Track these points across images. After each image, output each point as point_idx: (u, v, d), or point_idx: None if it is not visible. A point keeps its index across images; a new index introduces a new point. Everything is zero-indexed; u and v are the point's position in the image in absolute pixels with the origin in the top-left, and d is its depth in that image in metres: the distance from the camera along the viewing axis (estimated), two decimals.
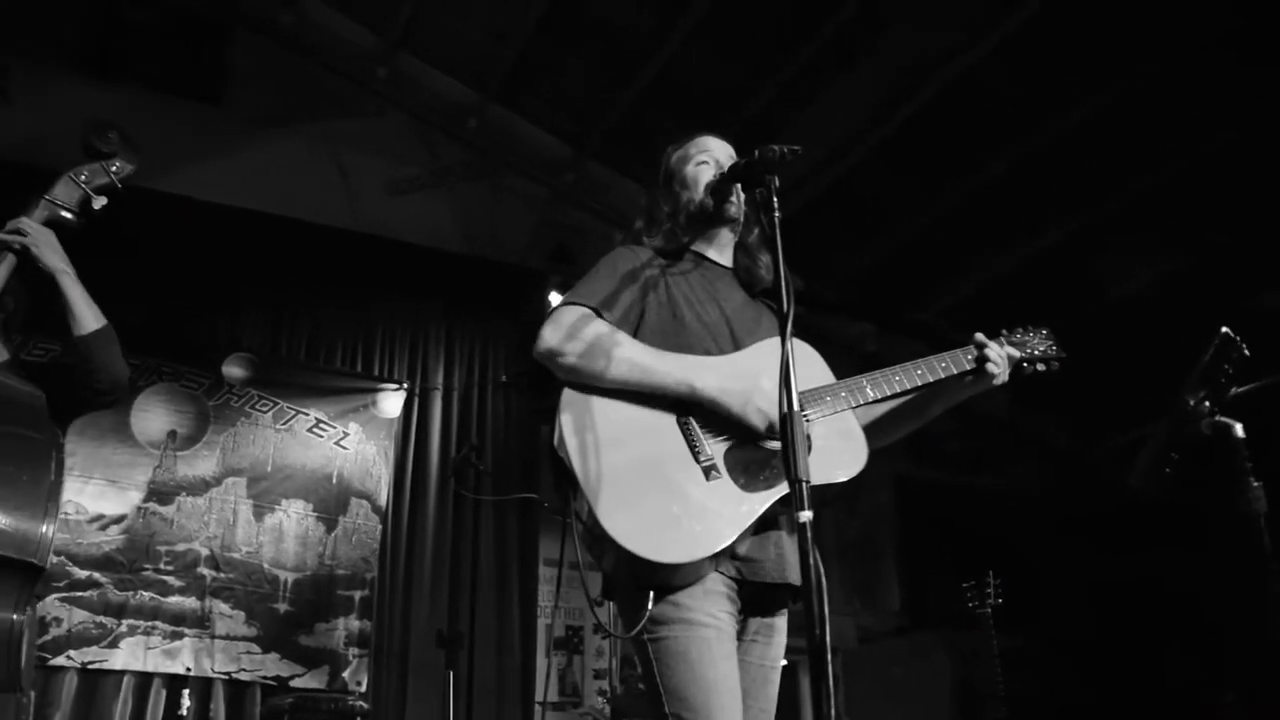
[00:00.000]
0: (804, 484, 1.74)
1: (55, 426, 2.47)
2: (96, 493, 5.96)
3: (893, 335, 8.00)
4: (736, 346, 2.37)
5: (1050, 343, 2.61)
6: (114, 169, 2.73)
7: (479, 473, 6.64)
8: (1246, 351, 2.39)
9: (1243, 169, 6.01)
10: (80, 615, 5.69)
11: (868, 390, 2.33)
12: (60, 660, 5.57)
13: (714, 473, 2.14)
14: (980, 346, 2.47)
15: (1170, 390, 2.48)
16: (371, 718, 5.81)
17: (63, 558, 5.66)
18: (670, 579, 2.09)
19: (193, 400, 6.43)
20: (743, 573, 2.16)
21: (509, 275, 7.26)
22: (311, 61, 7.02)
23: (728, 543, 2.08)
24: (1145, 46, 5.62)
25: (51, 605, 5.57)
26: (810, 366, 2.38)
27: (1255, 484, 2.30)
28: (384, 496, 6.87)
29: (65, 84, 6.17)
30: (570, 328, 2.24)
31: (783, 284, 1.91)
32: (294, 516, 6.52)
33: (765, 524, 2.18)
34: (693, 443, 2.18)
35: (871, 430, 2.42)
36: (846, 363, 2.46)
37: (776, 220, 2.02)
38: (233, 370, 6.58)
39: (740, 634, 2.23)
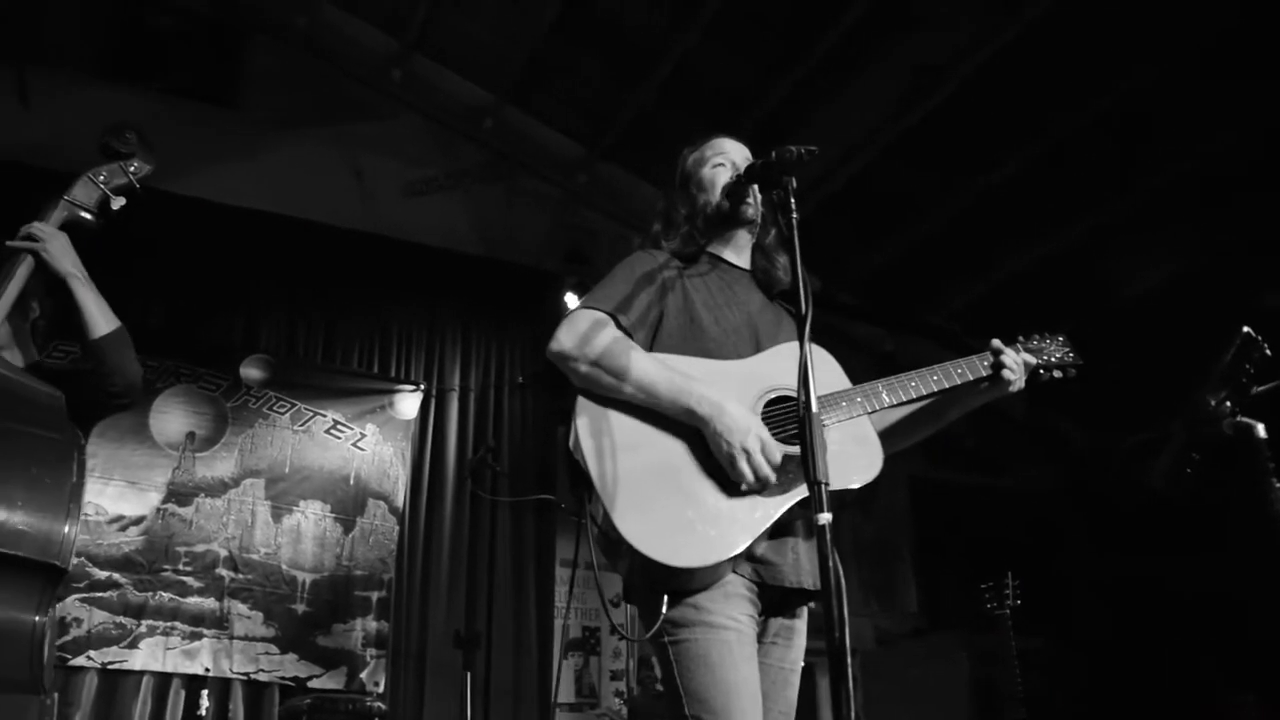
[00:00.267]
0: (823, 486, 1.74)
1: (76, 428, 2.48)
2: (116, 494, 6.00)
3: (907, 336, 7.98)
4: (758, 349, 2.36)
5: (1067, 349, 2.60)
6: (132, 169, 2.74)
7: (495, 474, 6.66)
8: (1268, 351, 2.37)
9: (1260, 167, 5.97)
10: (100, 616, 5.73)
11: (883, 396, 2.32)
12: (80, 660, 5.60)
13: None
14: (997, 353, 2.46)
15: (1187, 390, 2.47)
16: (389, 718, 5.82)
17: (82, 558, 5.70)
18: (685, 583, 2.09)
19: (211, 402, 6.46)
20: (761, 575, 2.16)
21: (524, 277, 7.27)
22: (327, 64, 7.06)
23: (742, 548, 2.07)
24: (1156, 45, 5.58)
25: (71, 606, 5.61)
26: (826, 372, 2.37)
27: (1278, 484, 2.28)
28: (401, 497, 6.88)
29: (83, 88, 6.21)
30: (585, 333, 2.23)
31: (801, 286, 1.91)
32: (312, 518, 6.54)
33: (781, 529, 2.17)
34: (708, 446, 2.17)
35: (887, 435, 2.42)
36: (862, 363, 2.45)
37: (794, 222, 2.02)
38: (250, 372, 6.61)
39: (760, 636, 2.22)
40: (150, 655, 5.80)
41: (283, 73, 6.89)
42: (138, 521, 6.01)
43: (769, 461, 2.08)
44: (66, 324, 2.65)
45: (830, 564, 1.70)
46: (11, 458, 2.30)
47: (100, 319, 2.62)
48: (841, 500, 2.13)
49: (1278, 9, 5.13)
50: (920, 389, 2.37)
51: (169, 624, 5.90)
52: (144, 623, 5.83)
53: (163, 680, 5.84)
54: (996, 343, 2.48)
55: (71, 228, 2.64)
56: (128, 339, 2.67)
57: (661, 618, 2.09)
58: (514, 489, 6.99)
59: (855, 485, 2.17)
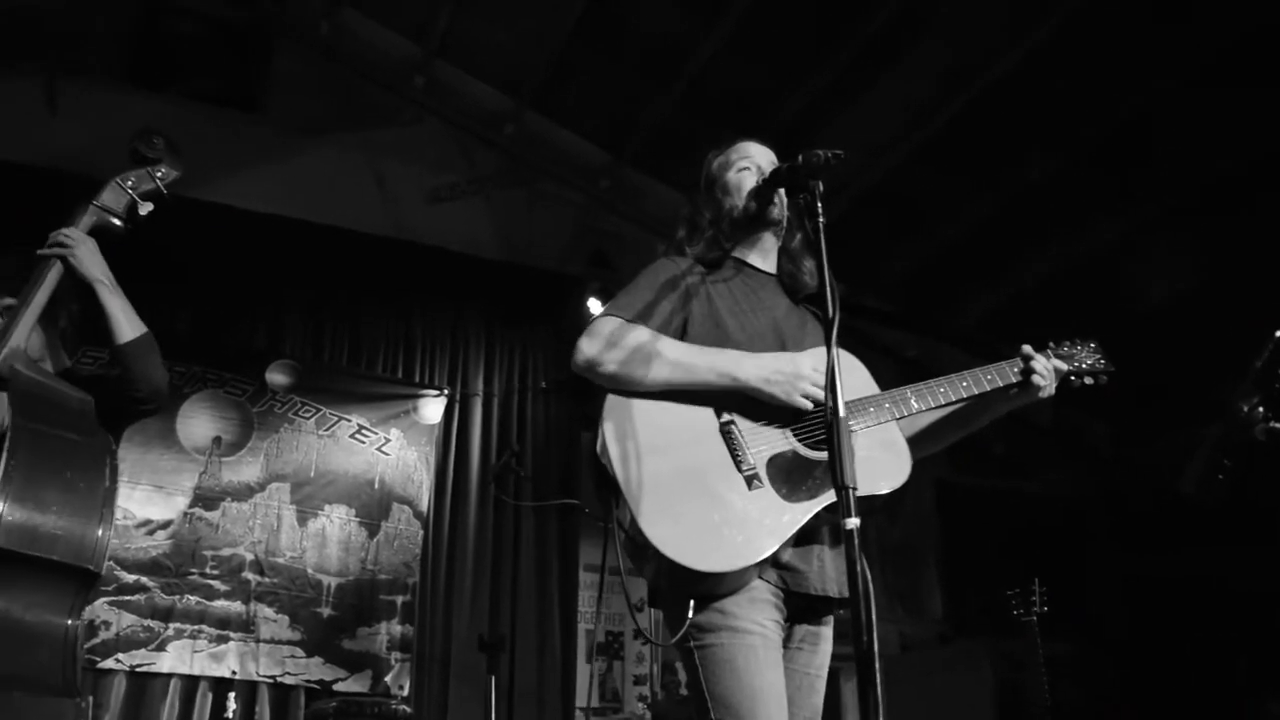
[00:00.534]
0: (851, 490, 1.73)
1: (107, 433, 2.50)
2: (144, 498, 6.05)
3: (934, 341, 7.94)
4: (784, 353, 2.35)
5: (1098, 355, 2.57)
6: (160, 175, 2.76)
7: (519, 478, 6.67)
8: None
9: None
10: (128, 619, 5.78)
11: (912, 402, 2.31)
12: (109, 663, 5.66)
13: (756, 482, 2.12)
14: (1027, 359, 2.44)
15: (1216, 393, 2.44)
16: None
17: (111, 562, 5.73)
18: (713, 588, 2.08)
19: (237, 407, 6.50)
20: (786, 581, 2.15)
21: (547, 281, 7.29)
22: (350, 70, 7.10)
23: (768, 553, 2.06)
24: (1185, 48, 5.54)
25: (100, 609, 5.66)
26: (854, 377, 2.36)
27: None
28: (425, 502, 6.90)
29: (110, 94, 6.28)
30: (608, 337, 2.24)
31: (828, 290, 1.90)
32: (337, 522, 6.57)
33: (807, 535, 2.16)
34: (735, 451, 2.17)
35: (915, 441, 2.40)
36: (888, 368, 2.44)
37: (821, 225, 2.01)
38: (276, 377, 6.65)
39: (786, 641, 2.21)
40: (178, 658, 5.85)
41: (306, 78, 6.93)
42: (165, 525, 6.06)
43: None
44: (94, 329, 2.66)
45: (858, 568, 1.69)
46: (45, 462, 2.32)
47: (126, 325, 2.63)
48: (869, 506, 2.11)
49: None
50: (949, 395, 2.36)
51: (196, 627, 5.94)
52: (171, 626, 5.88)
53: (190, 683, 5.89)
54: (1027, 348, 2.46)
55: (100, 233, 2.66)
56: (154, 345, 2.68)
57: (688, 622, 2.09)
58: (537, 493, 7.00)
59: (883, 491, 2.16)
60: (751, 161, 2.55)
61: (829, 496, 2.07)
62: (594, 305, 6.63)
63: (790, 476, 2.15)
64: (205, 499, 6.23)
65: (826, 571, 2.20)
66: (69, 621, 2.27)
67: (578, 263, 7.35)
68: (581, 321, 2.31)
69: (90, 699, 2.35)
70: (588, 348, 2.25)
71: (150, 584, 5.90)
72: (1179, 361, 6.63)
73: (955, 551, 8.17)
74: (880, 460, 2.20)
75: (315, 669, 6.18)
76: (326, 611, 6.34)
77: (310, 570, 6.38)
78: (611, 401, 2.23)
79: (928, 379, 2.39)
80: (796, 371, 2.20)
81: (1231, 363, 2.46)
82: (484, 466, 7.20)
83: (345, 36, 7.03)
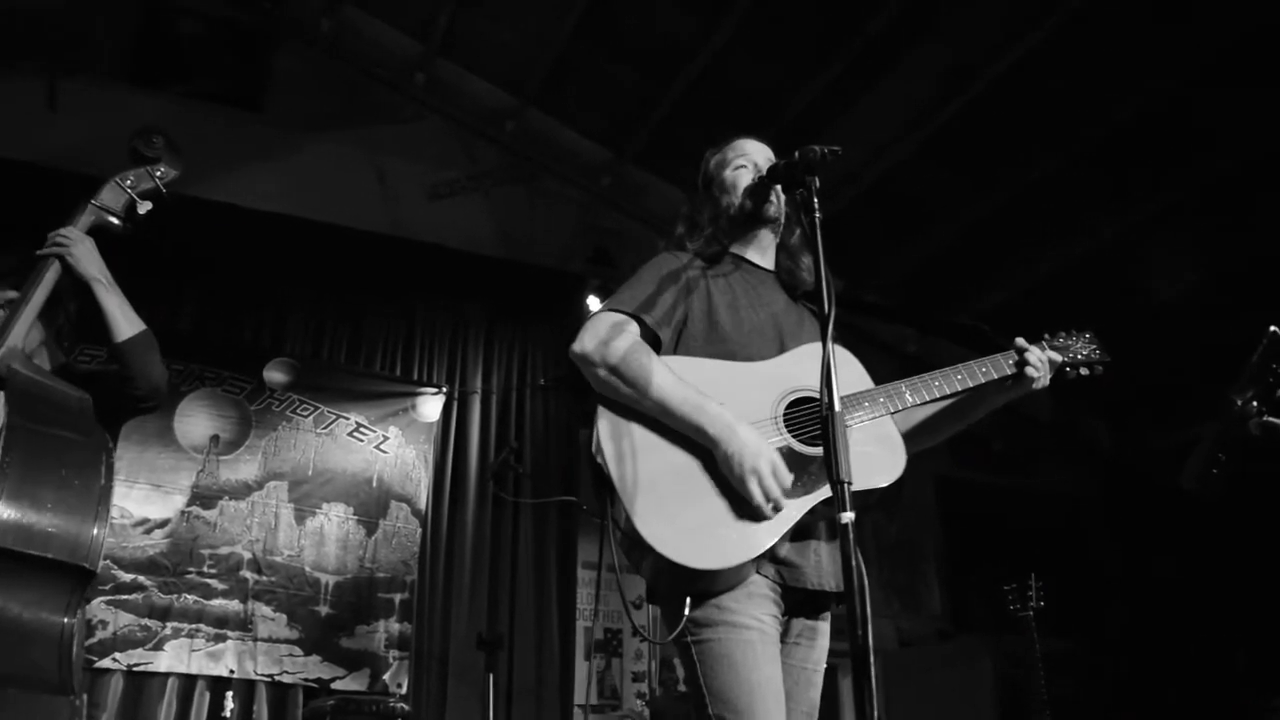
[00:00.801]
0: (846, 485, 1.73)
1: (105, 431, 2.50)
2: (141, 497, 6.05)
3: (933, 337, 7.94)
4: (781, 350, 2.35)
5: (1094, 346, 2.58)
6: (159, 174, 2.76)
7: (518, 476, 6.68)
8: None
9: None
10: (126, 618, 5.77)
11: (907, 396, 2.31)
12: (106, 662, 5.65)
13: None
14: (1021, 351, 2.45)
15: (1216, 391, 2.44)
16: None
17: (108, 561, 5.73)
18: (709, 585, 2.09)
19: (235, 405, 6.50)
20: (784, 576, 2.15)
21: (548, 279, 7.28)
22: (351, 68, 7.10)
23: (764, 549, 2.06)
24: (1189, 45, 5.54)
25: (98, 608, 5.65)
26: (849, 372, 2.35)
27: None
28: (424, 500, 6.90)
29: (110, 92, 6.27)
30: (605, 336, 2.24)
31: (824, 286, 1.90)
32: (335, 520, 6.57)
33: (804, 531, 2.16)
34: None
35: (911, 435, 2.41)
36: (887, 364, 2.44)
37: (817, 221, 2.00)
38: (274, 375, 6.65)
39: (783, 636, 2.21)
40: (175, 657, 5.84)
41: (307, 76, 6.93)
42: (162, 524, 6.06)
43: (780, 484, 2.07)
44: (93, 328, 2.67)
45: (853, 563, 1.69)
46: (41, 460, 2.32)
47: (124, 323, 2.63)
48: (865, 501, 2.12)
49: None
50: (944, 388, 2.36)
51: (194, 626, 5.94)
52: (169, 625, 5.87)
53: (188, 682, 5.88)
54: (1020, 340, 2.47)
55: (99, 232, 2.66)
56: (153, 342, 2.68)
57: (685, 618, 2.09)
58: (536, 491, 7.00)
59: (880, 485, 2.16)
60: (748, 159, 2.55)
61: (824, 491, 2.07)
62: (594, 303, 6.63)
63: (785, 472, 2.15)
64: (203, 497, 6.22)
65: (823, 566, 2.20)
66: (65, 619, 2.27)
67: (578, 260, 7.35)
68: (581, 319, 2.31)
69: (85, 698, 2.35)
70: (586, 343, 2.25)
71: (148, 583, 5.90)
72: (1179, 360, 6.64)
73: (955, 547, 8.17)
74: (875, 455, 2.20)
75: (313, 667, 6.17)
76: (324, 610, 6.34)
77: (308, 568, 6.37)
78: (605, 401, 2.23)
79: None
80: (759, 454, 2.08)
81: (1231, 361, 2.46)
82: (483, 464, 7.20)
83: (347, 34, 7.03)
